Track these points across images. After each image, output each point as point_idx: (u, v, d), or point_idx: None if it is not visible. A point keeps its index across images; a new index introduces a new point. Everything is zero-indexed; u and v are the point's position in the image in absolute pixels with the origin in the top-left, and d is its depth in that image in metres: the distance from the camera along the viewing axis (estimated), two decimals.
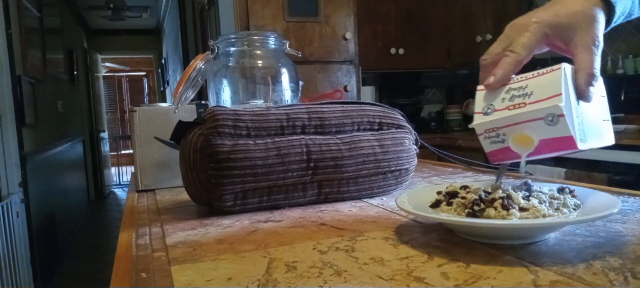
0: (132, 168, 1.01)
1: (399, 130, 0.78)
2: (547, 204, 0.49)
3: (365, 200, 0.74)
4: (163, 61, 6.94)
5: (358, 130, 0.75)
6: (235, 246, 0.51)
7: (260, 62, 1.04)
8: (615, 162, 1.68)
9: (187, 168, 0.67)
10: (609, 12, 0.53)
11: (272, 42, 1.04)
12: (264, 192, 0.67)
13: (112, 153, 7.81)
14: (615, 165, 1.68)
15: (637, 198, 0.65)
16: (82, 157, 5.45)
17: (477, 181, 0.60)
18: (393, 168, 0.75)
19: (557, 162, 1.89)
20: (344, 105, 0.76)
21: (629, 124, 2.01)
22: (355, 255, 0.46)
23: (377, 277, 0.40)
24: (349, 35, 2.47)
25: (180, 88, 0.95)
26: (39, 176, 3.20)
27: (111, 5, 5.36)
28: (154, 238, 0.58)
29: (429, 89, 3.38)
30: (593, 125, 0.50)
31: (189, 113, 0.97)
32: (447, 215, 0.50)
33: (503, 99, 0.49)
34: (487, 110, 0.50)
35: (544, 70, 0.48)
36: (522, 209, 0.47)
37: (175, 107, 0.95)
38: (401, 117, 0.80)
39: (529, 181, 0.55)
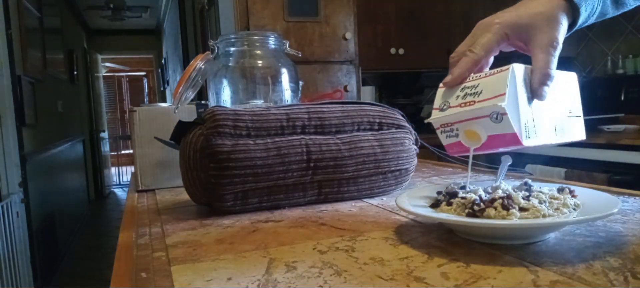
0: (132, 168, 1.01)
1: (399, 130, 0.78)
2: (547, 204, 0.49)
3: (365, 200, 0.74)
4: (163, 61, 6.94)
5: (358, 130, 0.75)
6: (235, 246, 0.51)
7: (260, 62, 1.04)
8: (615, 162, 1.68)
9: (187, 168, 0.67)
10: (574, 13, 0.53)
11: (272, 42, 1.04)
12: (264, 192, 0.67)
13: (112, 153, 7.81)
14: (615, 165, 1.68)
15: (637, 198, 0.65)
16: (82, 157, 5.45)
17: (477, 181, 0.60)
18: (393, 168, 0.75)
19: (557, 162, 1.89)
20: (344, 105, 0.76)
21: (629, 124, 2.01)
22: (355, 255, 0.46)
23: (377, 277, 0.40)
24: (349, 35, 2.47)
25: (180, 88, 0.95)
26: (39, 176, 3.20)
27: (111, 5, 5.36)
28: (154, 238, 0.58)
29: (429, 89, 3.38)
30: (553, 122, 0.52)
31: (189, 113, 0.97)
32: (447, 215, 0.50)
33: (457, 96, 0.52)
34: (443, 107, 0.53)
35: (496, 69, 0.51)
36: (522, 209, 0.47)
37: (175, 107, 0.95)
38: (401, 117, 0.80)
39: (529, 181, 0.55)
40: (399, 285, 0.38)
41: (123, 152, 8.92)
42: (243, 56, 1.03)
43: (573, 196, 0.52)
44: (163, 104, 1.00)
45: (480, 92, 0.50)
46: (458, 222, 0.48)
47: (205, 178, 0.65)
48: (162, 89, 7.39)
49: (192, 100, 1.00)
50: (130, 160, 6.96)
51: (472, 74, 0.53)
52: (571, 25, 0.54)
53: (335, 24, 2.46)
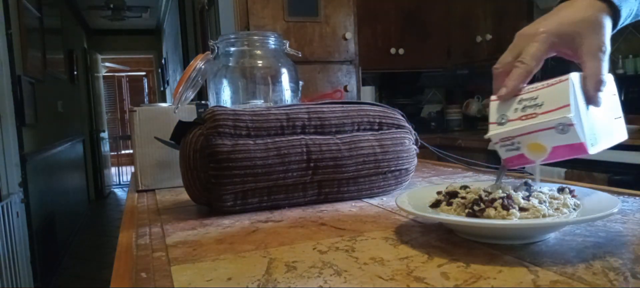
0: (132, 168, 1.01)
1: (399, 130, 0.78)
2: (547, 204, 0.49)
3: (365, 200, 0.74)
4: (163, 61, 6.94)
5: (358, 130, 0.75)
6: (235, 246, 0.51)
7: (260, 62, 1.04)
8: (615, 162, 1.68)
9: (187, 168, 0.67)
10: (615, 15, 0.53)
11: (272, 42, 1.04)
12: (264, 192, 0.67)
13: (112, 153, 7.81)
14: (615, 165, 1.68)
15: (637, 198, 0.65)
16: (82, 157, 5.45)
17: (477, 181, 0.60)
18: (393, 168, 0.75)
19: (557, 162, 1.89)
20: (344, 105, 0.76)
21: (629, 124, 2.01)
22: (355, 255, 0.46)
23: (377, 277, 0.40)
24: (349, 35, 2.47)
25: (180, 88, 0.95)
26: (39, 176, 3.20)
27: (111, 5, 5.36)
28: (154, 238, 0.58)
29: (429, 89, 3.38)
30: (604, 126, 0.52)
31: (189, 113, 0.97)
32: (447, 215, 0.50)
33: (516, 109, 0.52)
34: (501, 121, 0.52)
35: (553, 80, 0.50)
36: (522, 209, 0.47)
37: (175, 107, 0.95)
38: (401, 117, 0.80)
39: (529, 181, 0.55)
40: (399, 285, 0.38)
41: (123, 152, 8.92)
42: (243, 56, 1.03)
43: (573, 196, 0.52)
44: (163, 104, 1.00)
45: (542, 104, 0.49)
46: (458, 222, 0.48)
47: (205, 178, 0.65)
48: (162, 89, 7.39)
49: (192, 100, 1.00)
50: (130, 160, 6.95)
51: (525, 85, 0.53)
52: (612, 27, 0.54)
53: (335, 24, 2.46)
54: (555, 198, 0.50)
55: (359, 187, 0.73)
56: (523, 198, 0.49)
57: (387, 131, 0.76)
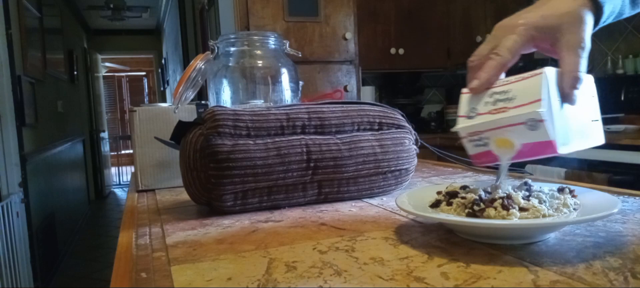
0: (132, 168, 1.01)
1: (399, 130, 0.78)
2: (547, 204, 0.49)
3: (365, 200, 0.74)
4: (163, 61, 6.94)
5: (358, 130, 0.75)
6: (235, 246, 0.51)
7: (260, 62, 1.04)
8: (615, 162, 1.68)
9: (187, 168, 0.67)
10: (597, 12, 0.52)
11: (272, 42, 1.04)
12: (264, 192, 0.67)
13: (112, 153, 7.81)
14: (615, 165, 1.68)
15: (637, 198, 0.65)
16: (82, 157, 5.45)
17: (477, 181, 0.60)
18: (393, 168, 0.75)
19: (557, 162, 1.89)
20: (344, 105, 0.76)
21: (629, 124, 2.01)
22: (355, 255, 0.46)
23: (377, 277, 0.40)
24: (349, 35, 2.47)
25: (180, 88, 0.95)
26: (39, 176, 3.20)
27: (111, 5, 5.36)
28: (154, 238, 0.58)
29: (429, 89, 3.38)
30: (579, 127, 0.50)
31: (189, 113, 0.97)
32: (447, 215, 0.50)
33: (486, 102, 0.50)
34: (470, 114, 0.50)
35: (528, 74, 0.48)
36: (522, 209, 0.47)
37: (175, 107, 0.95)
38: (401, 117, 0.80)
39: (529, 181, 0.55)
40: (399, 285, 0.38)
41: (123, 152, 8.92)
42: (243, 56, 1.03)
43: (573, 196, 0.52)
44: (163, 104, 1.00)
45: (513, 98, 0.47)
46: (458, 222, 0.48)
47: (205, 178, 0.65)
48: (162, 89, 7.39)
49: (192, 100, 1.00)
50: (130, 160, 6.96)
51: (499, 79, 0.51)
52: (594, 24, 0.52)
53: (335, 24, 2.46)
54: (555, 198, 0.50)
55: (359, 187, 0.73)
56: (523, 198, 0.49)
57: (387, 131, 0.76)
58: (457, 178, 0.90)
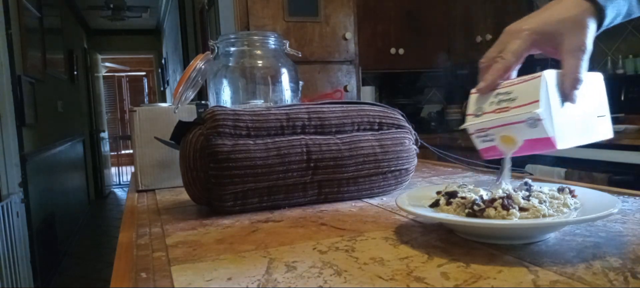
0: (132, 168, 1.01)
1: (399, 130, 0.78)
2: (547, 204, 0.49)
3: (365, 200, 0.74)
4: (163, 61, 6.94)
5: (358, 130, 0.75)
6: (235, 246, 0.51)
7: (260, 62, 1.04)
8: (615, 162, 1.68)
9: (187, 168, 0.67)
10: (600, 16, 0.54)
11: (272, 42, 1.04)
12: (264, 192, 0.67)
13: (112, 153, 7.81)
14: (615, 165, 1.68)
15: (637, 198, 0.65)
16: (82, 157, 5.45)
17: (477, 181, 0.60)
18: (393, 168, 0.75)
19: (557, 162, 1.89)
20: (344, 105, 0.76)
21: (629, 124, 2.01)
22: (355, 255, 0.46)
23: (377, 277, 0.40)
24: (349, 35, 2.47)
25: (180, 88, 0.95)
26: (39, 176, 3.20)
27: (111, 5, 5.36)
28: (154, 238, 0.58)
29: (429, 89, 3.38)
30: (582, 123, 0.54)
31: (189, 113, 0.97)
32: (447, 215, 0.50)
33: (491, 102, 0.54)
34: (477, 113, 0.56)
35: (529, 76, 0.52)
36: (522, 209, 0.47)
37: (175, 107, 0.95)
38: (401, 117, 0.80)
39: (529, 181, 0.55)
40: (399, 285, 0.38)
41: (123, 152, 8.92)
42: (243, 56, 1.03)
43: (573, 196, 0.52)
44: (163, 104, 1.00)
45: (515, 99, 0.52)
46: (458, 222, 0.48)
47: (205, 178, 0.65)
48: (162, 89, 7.39)
49: (192, 100, 1.00)
50: (130, 160, 6.95)
51: (504, 81, 0.55)
52: (597, 28, 0.55)
53: (335, 23, 2.46)
54: (555, 198, 0.50)
55: (359, 187, 0.73)
56: (523, 198, 0.49)
57: (387, 131, 0.76)
58: (457, 178, 0.90)
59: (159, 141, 0.93)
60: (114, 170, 7.64)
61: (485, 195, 0.50)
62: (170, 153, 0.95)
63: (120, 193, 6.98)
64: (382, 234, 0.53)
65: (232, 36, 1.04)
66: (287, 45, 1.06)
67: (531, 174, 0.90)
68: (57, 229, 3.64)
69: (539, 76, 0.51)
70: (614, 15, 0.56)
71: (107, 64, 8.63)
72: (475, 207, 0.48)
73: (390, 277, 0.40)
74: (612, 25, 0.57)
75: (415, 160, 0.79)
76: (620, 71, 2.22)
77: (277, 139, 0.68)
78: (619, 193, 0.68)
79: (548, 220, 0.46)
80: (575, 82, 0.51)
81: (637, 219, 0.54)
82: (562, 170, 1.83)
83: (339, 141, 0.71)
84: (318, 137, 0.71)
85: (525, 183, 0.54)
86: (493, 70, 0.55)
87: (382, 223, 0.58)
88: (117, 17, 5.83)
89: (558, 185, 0.55)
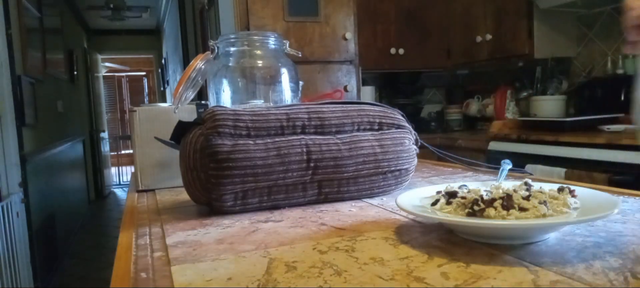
0: (132, 168, 1.01)
1: (399, 130, 0.78)
2: (547, 204, 0.49)
3: (365, 200, 0.74)
4: (163, 61, 6.94)
5: (358, 130, 0.75)
6: (235, 246, 0.51)
7: (260, 62, 1.04)
8: (615, 162, 1.68)
9: (187, 168, 0.67)
10: None
11: (272, 42, 1.04)
12: (264, 192, 0.67)
13: (112, 153, 7.80)
14: (615, 165, 1.68)
15: (637, 198, 0.65)
16: (82, 157, 5.45)
17: (477, 181, 0.60)
18: (393, 168, 0.75)
19: (557, 162, 1.89)
20: (344, 105, 0.76)
21: (629, 124, 2.01)
22: (355, 255, 0.46)
23: (377, 277, 0.40)
24: (349, 35, 2.47)
25: (180, 88, 0.95)
26: (39, 176, 3.20)
27: (111, 5, 5.36)
28: (154, 238, 0.58)
29: (429, 89, 3.38)
30: None
31: (189, 113, 0.97)
32: (447, 215, 0.50)
33: None
34: None
35: None
36: (522, 209, 0.47)
37: (175, 107, 0.95)
38: (401, 117, 0.80)
39: (529, 181, 0.55)
40: (399, 285, 0.38)
41: (123, 152, 8.92)
42: (243, 56, 1.03)
43: (573, 196, 0.52)
44: (163, 104, 1.00)
45: None
46: (458, 222, 0.48)
47: (205, 178, 0.65)
48: (162, 89, 7.39)
49: (192, 100, 1.00)
50: (130, 160, 6.96)
51: None
52: None
53: (335, 24, 2.46)
54: (555, 198, 0.50)
55: (359, 187, 0.73)
56: (523, 198, 0.49)
57: (387, 131, 0.76)
58: (457, 178, 0.90)
59: (159, 141, 0.93)
60: (114, 170, 7.64)
61: (485, 195, 0.50)
62: (170, 153, 0.95)
63: (120, 193, 6.98)
64: (382, 234, 0.53)
65: (232, 36, 1.04)
66: (287, 45, 1.06)
67: (531, 174, 0.90)
68: (57, 229, 3.64)
69: None
70: None
71: (107, 64, 8.63)
72: (475, 207, 0.48)
73: (390, 277, 0.40)
74: None
75: (415, 160, 0.79)
76: (620, 71, 2.22)
77: (277, 139, 0.68)
78: (619, 193, 0.68)
79: (548, 220, 0.46)
80: None
81: (637, 219, 0.54)
82: (562, 170, 1.83)
83: (339, 141, 0.71)
84: (318, 137, 0.71)
85: (525, 183, 0.54)
86: None
87: (382, 223, 0.58)
88: (117, 17, 5.83)
89: (558, 185, 0.55)
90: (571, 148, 1.86)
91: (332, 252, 0.47)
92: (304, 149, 0.68)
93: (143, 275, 0.44)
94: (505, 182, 0.55)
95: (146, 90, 10.50)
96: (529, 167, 1.91)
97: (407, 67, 3.00)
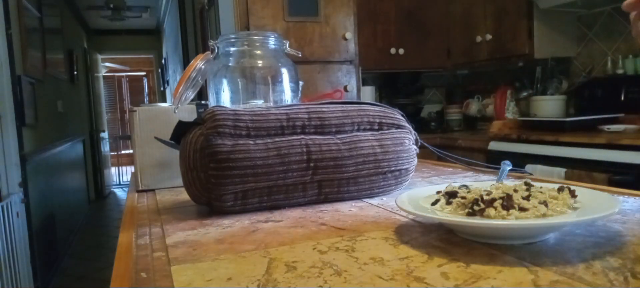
0: (132, 168, 1.01)
1: (399, 130, 0.78)
2: (547, 204, 0.49)
3: (365, 200, 0.74)
4: (163, 61, 6.94)
5: (358, 130, 0.75)
6: (235, 246, 0.51)
7: (260, 62, 1.04)
8: (615, 162, 1.68)
9: (187, 168, 0.67)
10: None
11: (272, 42, 1.04)
12: (264, 192, 0.67)
13: (112, 153, 7.80)
14: (615, 165, 1.68)
15: (637, 198, 0.65)
16: (82, 157, 5.44)
17: (477, 181, 0.60)
18: (393, 169, 0.75)
19: (557, 162, 1.89)
20: (344, 105, 0.76)
21: (629, 123, 2.01)
22: (355, 255, 0.46)
23: (377, 277, 0.40)
24: (349, 35, 2.47)
25: (180, 88, 0.95)
26: (39, 176, 3.20)
27: (111, 5, 5.36)
28: (154, 238, 0.58)
29: (429, 89, 3.38)
30: None
31: (189, 113, 0.97)
32: (447, 215, 0.50)
33: None
34: None
35: None
36: (522, 209, 0.47)
37: (175, 107, 0.95)
38: (401, 117, 0.80)
39: (529, 181, 0.55)
40: (399, 285, 0.38)
41: (123, 152, 8.92)
42: (243, 56, 1.03)
43: (573, 196, 0.52)
44: (163, 104, 1.00)
45: None
46: (458, 222, 0.48)
47: (205, 178, 0.65)
48: (162, 89, 7.39)
49: (192, 100, 1.00)
50: (130, 160, 6.96)
51: None
52: None
53: (335, 24, 2.46)
54: (555, 198, 0.50)
55: (359, 187, 0.73)
56: (523, 198, 0.49)
57: (387, 131, 0.76)
58: (457, 178, 0.90)
59: (159, 141, 0.93)
60: (114, 170, 7.64)
61: (485, 195, 0.50)
62: (170, 154, 0.95)
63: (120, 193, 6.98)
64: (382, 234, 0.53)
65: (232, 36, 1.04)
66: (287, 45, 1.06)
67: (531, 174, 0.90)
68: (57, 229, 3.64)
69: None
70: None
71: (107, 64, 8.63)
72: (475, 207, 0.48)
73: (390, 277, 0.40)
74: None
75: (415, 160, 0.79)
76: (620, 71, 2.22)
77: (277, 139, 0.68)
78: (619, 193, 0.68)
79: (548, 220, 0.46)
80: None
81: (637, 219, 0.54)
82: (562, 170, 1.83)
83: (339, 141, 0.71)
84: (318, 137, 0.71)
85: (525, 183, 0.54)
86: None
87: (382, 223, 0.58)
88: (117, 17, 5.83)
89: (558, 185, 0.55)
90: (571, 148, 1.86)
91: (332, 252, 0.47)
92: (304, 149, 0.68)
93: (143, 275, 0.44)
94: (505, 182, 0.55)
95: (146, 90, 10.50)
96: (529, 167, 1.91)
97: (407, 67, 3.00)
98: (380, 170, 0.74)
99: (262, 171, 0.65)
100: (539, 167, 1.92)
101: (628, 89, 2.14)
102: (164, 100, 6.85)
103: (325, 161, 0.69)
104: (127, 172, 7.85)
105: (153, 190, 0.95)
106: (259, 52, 1.04)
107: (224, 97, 1.01)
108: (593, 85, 2.31)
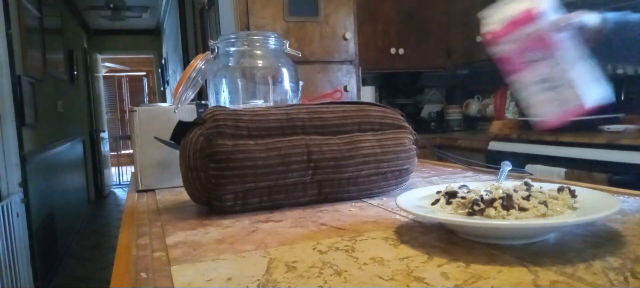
0: (132, 168, 1.01)
1: (399, 130, 0.78)
2: (547, 204, 0.49)
3: (365, 200, 0.74)
4: (163, 61, 6.94)
5: (358, 130, 0.75)
6: (235, 246, 0.51)
7: (260, 62, 1.04)
8: (615, 162, 1.68)
9: (187, 168, 0.67)
10: None
11: (272, 42, 1.04)
12: (264, 192, 0.67)
13: (112, 153, 7.80)
14: (615, 165, 1.68)
15: (637, 198, 0.65)
16: (82, 157, 5.44)
17: (477, 181, 0.60)
18: (393, 169, 0.75)
19: (557, 162, 1.89)
20: (344, 106, 0.76)
21: (629, 123, 2.01)
22: (355, 255, 0.46)
23: (377, 277, 0.40)
24: (349, 35, 2.47)
25: (180, 88, 0.95)
26: (39, 176, 3.19)
27: (111, 5, 5.36)
28: (154, 238, 0.58)
29: (429, 89, 3.37)
30: None
31: (189, 113, 0.97)
32: (447, 215, 0.50)
33: None
34: None
35: None
36: (522, 209, 0.47)
37: (175, 107, 0.95)
38: (401, 118, 0.80)
39: (529, 181, 0.55)
40: (399, 285, 0.38)
41: (123, 152, 8.92)
42: (243, 56, 1.03)
43: (573, 196, 0.52)
44: (163, 104, 1.00)
45: None
46: (458, 222, 0.48)
47: (205, 178, 0.65)
48: (162, 89, 7.39)
49: (192, 100, 1.00)
50: (130, 160, 6.96)
51: None
52: None
53: (335, 23, 2.46)
54: (555, 198, 0.50)
55: (359, 187, 0.73)
56: (523, 198, 0.49)
57: (387, 131, 0.76)
58: (457, 178, 0.90)
59: (159, 141, 0.93)
60: (114, 170, 7.64)
61: (485, 195, 0.50)
62: (170, 154, 0.95)
63: (120, 193, 6.98)
64: (382, 234, 0.53)
65: (232, 36, 1.04)
66: (287, 45, 1.06)
67: (531, 174, 0.90)
68: (57, 229, 3.64)
69: None
70: None
71: (107, 64, 8.63)
72: (475, 207, 0.48)
73: (390, 277, 0.40)
74: None
75: (415, 160, 0.79)
76: (620, 71, 2.22)
77: (277, 139, 0.68)
78: (619, 193, 0.68)
79: (548, 220, 0.46)
80: None
81: (637, 219, 0.54)
82: (562, 170, 1.83)
83: (339, 141, 0.71)
84: (318, 137, 0.71)
85: (525, 183, 0.54)
86: None
87: (382, 223, 0.58)
88: (117, 17, 5.83)
89: (558, 185, 0.55)
90: (571, 148, 1.86)
91: (332, 252, 0.47)
92: (304, 149, 0.68)
93: (143, 275, 0.44)
94: (505, 182, 0.55)
95: (146, 90, 10.50)
96: (529, 167, 1.91)
97: (407, 67, 3.00)
98: (380, 170, 0.74)
99: (262, 171, 0.65)
100: (539, 167, 1.92)
101: (628, 89, 2.14)
102: (164, 100, 6.85)
103: (326, 161, 0.69)
104: (127, 172, 7.85)
105: (153, 190, 0.95)
106: (259, 52, 1.04)
107: (223, 97, 1.01)
108: None
